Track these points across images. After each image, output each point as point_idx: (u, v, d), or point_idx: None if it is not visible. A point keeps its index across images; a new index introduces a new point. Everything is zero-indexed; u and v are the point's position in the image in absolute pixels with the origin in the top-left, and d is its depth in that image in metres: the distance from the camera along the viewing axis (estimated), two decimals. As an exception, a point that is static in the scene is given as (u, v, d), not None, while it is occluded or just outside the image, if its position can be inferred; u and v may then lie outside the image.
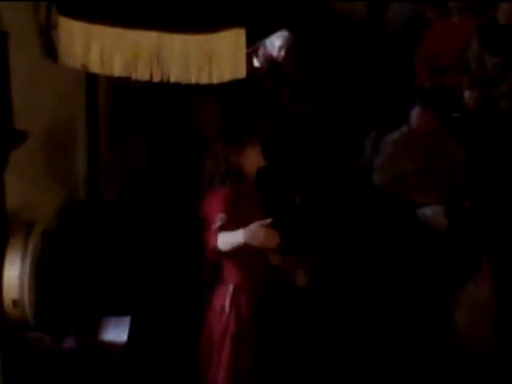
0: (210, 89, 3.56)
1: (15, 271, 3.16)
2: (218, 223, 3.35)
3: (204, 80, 2.90)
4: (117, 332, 3.67)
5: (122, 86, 4.74)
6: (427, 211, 5.15)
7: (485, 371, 4.25)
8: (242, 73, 3.05)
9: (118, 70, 2.85)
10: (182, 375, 3.98)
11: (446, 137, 5.41)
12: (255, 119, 5.42)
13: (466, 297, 4.53)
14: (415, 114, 5.28)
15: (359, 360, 4.47)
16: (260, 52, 5.85)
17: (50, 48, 3.68)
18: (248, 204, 3.53)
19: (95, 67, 2.89)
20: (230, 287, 3.57)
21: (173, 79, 2.85)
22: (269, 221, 3.26)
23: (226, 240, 3.30)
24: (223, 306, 3.57)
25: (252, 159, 3.50)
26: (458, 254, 4.89)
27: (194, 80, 2.88)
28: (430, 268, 4.93)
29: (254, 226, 3.23)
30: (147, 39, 2.81)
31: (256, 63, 5.84)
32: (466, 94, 5.78)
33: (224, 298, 3.58)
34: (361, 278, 5.11)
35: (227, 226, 3.32)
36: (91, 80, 3.99)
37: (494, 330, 4.43)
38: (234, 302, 3.56)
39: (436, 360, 4.42)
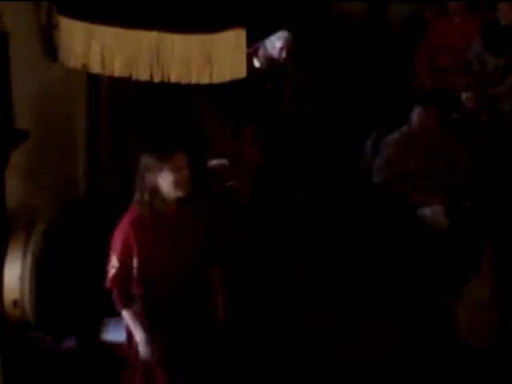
0: (209, 89, 3.55)
1: (16, 271, 3.16)
2: (112, 271, 3.30)
3: (204, 80, 2.89)
4: (117, 332, 3.67)
5: (123, 86, 4.75)
6: (427, 211, 5.15)
7: (486, 371, 4.24)
8: (242, 73, 3.05)
9: (118, 69, 2.85)
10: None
11: (446, 137, 5.41)
12: (256, 119, 5.43)
13: (466, 296, 4.52)
14: (416, 113, 5.27)
15: (359, 360, 4.47)
16: (260, 53, 5.85)
17: (50, 48, 3.68)
18: (163, 228, 3.35)
19: (96, 67, 2.89)
20: None
21: (173, 79, 2.85)
22: None
23: (129, 322, 3.34)
24: None
25: (168, 180, 3.26)
26: (459, 254, 4.88)
27: (194, 80, 2.88)
28: (431, 268, 4.93)
29: (148, 347, 3.32)
30: (148, 39, 2.81)
31: (256, 64, 5.84)
32: (465, 95, 5.78)
33: None
34: (361, 277, 5.11)
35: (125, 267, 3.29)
36: (92, 80, 3.99)
37: (495, 329, 4.42)
38: None
39: (437, 359, 4.42)
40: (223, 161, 4.63)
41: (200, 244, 3.46)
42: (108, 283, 3.33)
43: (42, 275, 3.29)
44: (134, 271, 3.30)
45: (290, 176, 5.98)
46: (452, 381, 4.30)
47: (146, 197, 3.28)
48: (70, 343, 3.53)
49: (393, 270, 4.99)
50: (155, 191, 3.28)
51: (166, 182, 3.26)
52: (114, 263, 3.30)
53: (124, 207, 4.45)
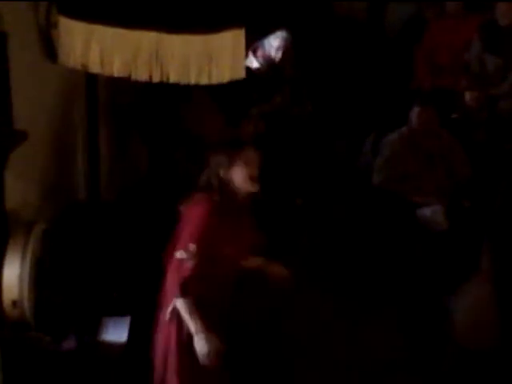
0: (209, 89, 3.57)
1: (15, 271, 3.15)
2: (185, 255, 3.30)
3: (203, 81, 2.90)
4: (117, 332, 3.67)
5: (123, 87, 4.75)
6: (427, 211, 5.15)
7: (485, 371, 4.24)
8: (241, 73, 3.06)
9: (117, 70, 2.85)
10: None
11: (446, 137, 5.41)
12: (251, 118, 5.44)
13: (465, 297, 4.53)
14: (415, 113, 5.28)
15: (359, 360, 4.47)
16: (259, 53, 5.85)
17: (49, 48, 3.69)
18: (236, 218, 3.46)
19: (95, 67, 2.89)
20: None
21: (172, 79, 2.85)
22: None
23: (188, 314, 3.27)
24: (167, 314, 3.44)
25: (241, 174, 3.41)
26: (458, 254, 4.89)
27: (193, 80, 2.88)
28: (430, 268, 4.93)
29: (212, 344, 3.23)
30: (147, 39, 2.81)
31: (255, 64, 5.84)
32: (467, 95, 5.78)
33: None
34: (361, 278, 5.12)
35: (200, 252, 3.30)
36: (91, 80, 3.99)
37: (495, 329, 4.42)
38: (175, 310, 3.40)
39: (435, 360, 4.42)
40: None
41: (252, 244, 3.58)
42: (188, 271, 3.29)
43: (41, 275, 3.28)
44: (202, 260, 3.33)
45: (290, 178, 5.98)
46: (452, 381, 4.31)
47: (219, 187, 3.40)
48: (69, 343, 3.53)
49: (393, 270, 5.00)
50: (227, 184, 3.40)
51: (238, 176, 3.40)
52: (194, 249, 3.30)
53: (123, 209, 4.47)
